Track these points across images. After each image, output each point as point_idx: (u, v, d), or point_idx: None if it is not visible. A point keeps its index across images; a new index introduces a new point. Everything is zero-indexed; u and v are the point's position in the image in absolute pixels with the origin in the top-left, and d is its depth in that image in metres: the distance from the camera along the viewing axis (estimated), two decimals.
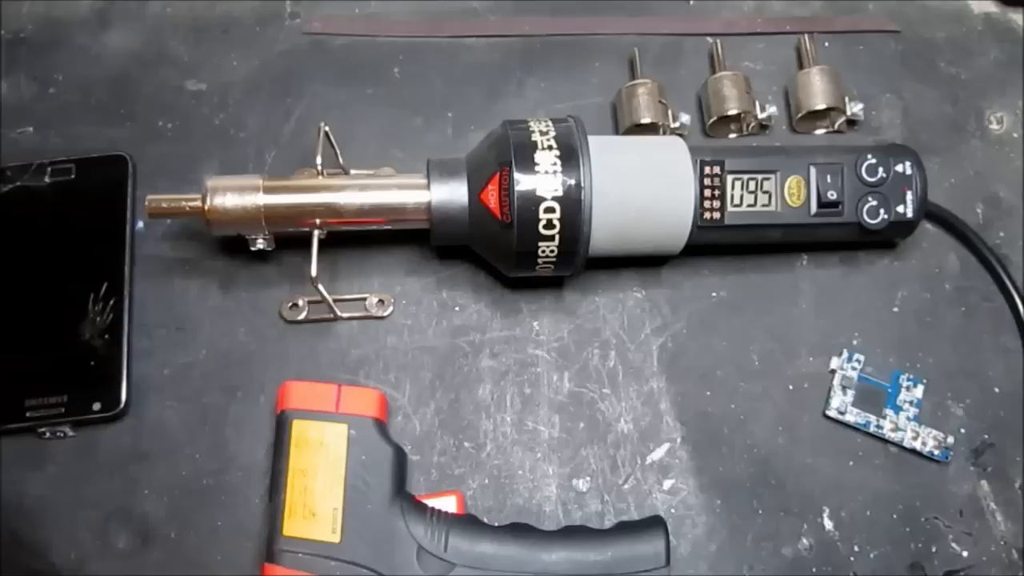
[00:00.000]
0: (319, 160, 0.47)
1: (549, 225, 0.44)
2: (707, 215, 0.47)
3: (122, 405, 0.46)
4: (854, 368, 0.49)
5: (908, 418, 0.48)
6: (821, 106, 0.53)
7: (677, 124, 0.53)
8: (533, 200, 0.44)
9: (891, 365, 0.50)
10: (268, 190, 0.45)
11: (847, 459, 0.48)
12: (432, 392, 0.48)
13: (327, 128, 0.48)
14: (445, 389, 0.48)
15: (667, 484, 0.47)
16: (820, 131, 0.55)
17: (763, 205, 0.48)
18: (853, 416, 0.48)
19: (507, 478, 0.47)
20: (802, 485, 0.47)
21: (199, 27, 0.56)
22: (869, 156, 0.48)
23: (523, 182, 0.44)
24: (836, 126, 0.54)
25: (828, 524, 0.47)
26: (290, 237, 0.48)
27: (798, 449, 0.48)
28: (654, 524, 0.43)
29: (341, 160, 0.50)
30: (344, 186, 0.46)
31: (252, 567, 0.44)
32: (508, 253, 0.46)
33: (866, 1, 0.59)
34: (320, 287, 0.46)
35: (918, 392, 0.49)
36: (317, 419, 0.43)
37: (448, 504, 0.44)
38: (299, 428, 0.43)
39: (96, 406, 0.46)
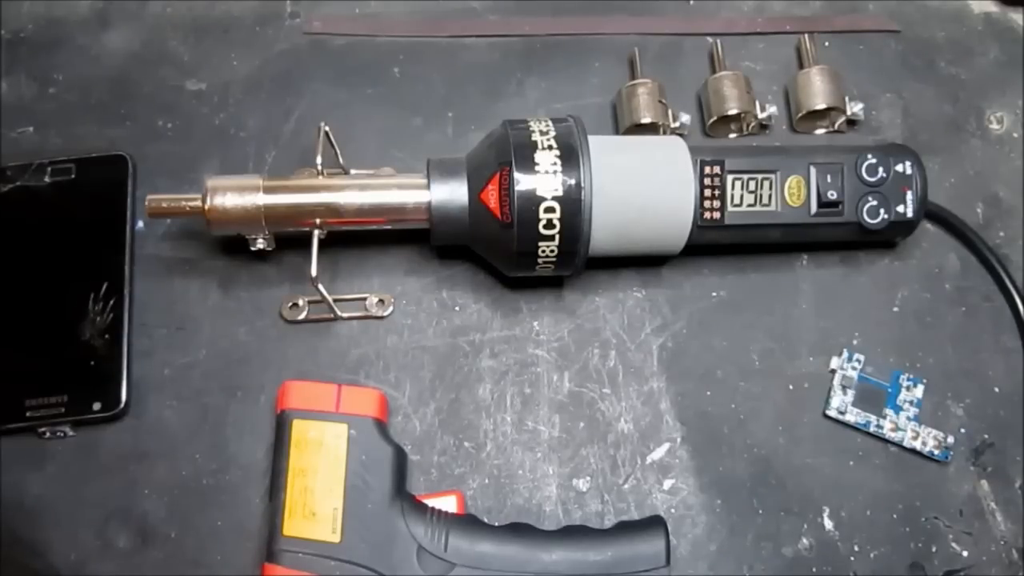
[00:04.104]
0: (319, 160, 0.47)
1: (549, 225, 0.44)
2: (707, 215, 0.47)
3: (122, 405, 0.46)
4: (854, 368, 0.49)
5: (908, 418, 0.48)
6: (821, 106, 0.53)
7: (677, 124, 0.53)
8: (533, 200, 0.44)
9: (891, 365, 0.50)
10: (268, 190, 0.45)
11: (847, 459, 0.48)
12: (432, 392, 0.48)
13: (327, 128, 0.48)
14: (445, 389, 0.48)
15: (667, 484, 0.47)
16: (820, 131, 0.55)
17: (763, 205, 0.48)
18: (853, 416, 0.48)
19: (507, 478, 0.47)
20: (802, 485, 0.47)
21: (199, 27, 0.56)
22: (869, 156, 0.48)
23: (523, 182, 0.44)
24: (836, 126, 0.54)
25: (828, 524, 0.47)
26: (290, 237, 0.48)
27: (798, 449, 0.48)
28: (654, 524, 0.43)
29: (341, 160, 0.50)
30: (344, 186, 0.46)
31: (252, 567, 0.44)
32: (508, 253, 0.46)
33: (866, 1, 0.59)
34: (320, 287, 0.46)
35: (918, 392, 0.49)
36: (317, 419, 0.43)
37: (448, 504, 0.44)
38: (299, 428, 0.43)
39: (96, 406, 0.46)
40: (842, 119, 0.54)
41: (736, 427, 0.48)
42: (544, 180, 0.44)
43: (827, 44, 0.57)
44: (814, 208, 0.48)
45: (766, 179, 0.48)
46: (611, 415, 0.48)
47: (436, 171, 0.46)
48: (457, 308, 0.50)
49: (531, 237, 0.45)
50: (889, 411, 0.48)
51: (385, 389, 0.48)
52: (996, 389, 0.50)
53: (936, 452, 0.48)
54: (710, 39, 0.56)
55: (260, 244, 0.47)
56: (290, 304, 0.49)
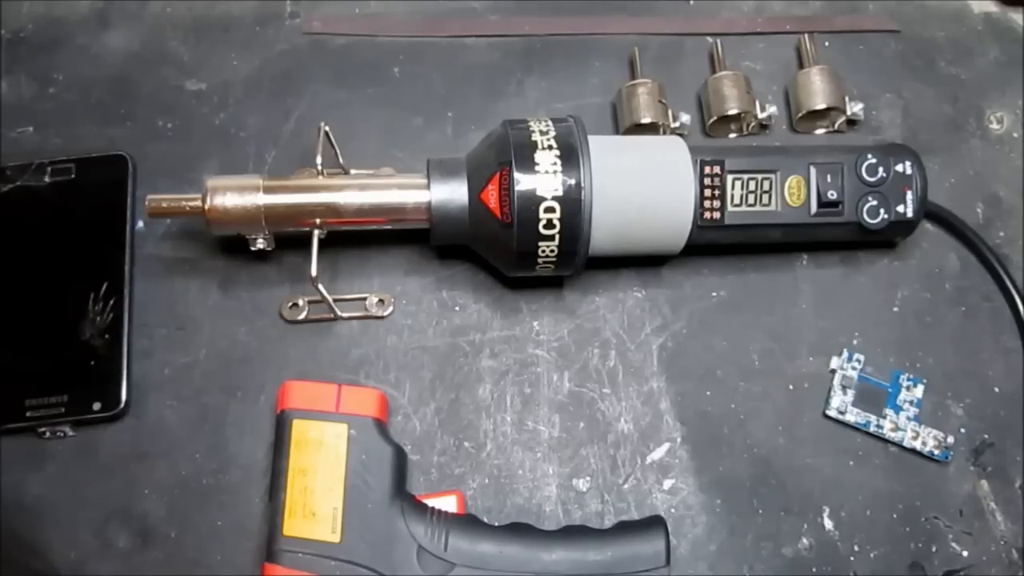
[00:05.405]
0: (319, 160, 0.47)
1: (549, 225, 0.44)
2: (707, 215, 0.47)
3: (122, 405, 0.46)
4: (854, 368, 0.49)
5: (908, 418, 0.48)
6: (821, 106, 0.53)
7: (677, 124, 0.53)
8: (533, 200, 0.44)
9: (891, 365, 0.50)
10: (268, 190, 0.45)
11: (847, 459, 0.48)
12: (432, 392, 0.48)
13: (327, 128, 0.48)
14: (445, 389, 0.48)
15: (667, 484, 0.47)
16: (820, 131, 0.55)
17: (763, 205, 0.48)
18: (853, 416, 0.48)
19: (507, 478, 0.47)
20: (802, 485, 0.47)
21: (199, 27, 0.56)
22: (869, 156, 0.48)
23: (523, 182, 0.44)
24: (836, 126, 0.54)
25: (828, 524, 0.47)
26: (290, 237, 0.48)
27: (798, 449, 0.48)
28: (654, 524, 0.43)
29: (341, 160, 0.50)
30: (344, 186, 0.46)
31: (252, 567, 0.44)
32: (508, 253, 0.46)
33: (866, 1, 0.59)
34: (320, 287, 0.46)
35: (918, 392, 0.49)
36: (317, 419, 0.43)
37: (448, 504, 0.44)
38: (299, 428, 0.43)
39: (96, 406, 0.46)
40: (842, 119, 0.54)
41: (736, 427, 0.48)
42: (544, 180, 0.44)
43: (827, 44, 0.57)
44: (814, 208, 0.48)
45: (766, 179, 0.48)
46: (611, 415, 0.48)
47: (436, 171, 0.46)
48: (457, 308, 0.50)
49: (531, 237, 0.45)
50: (889, 411, 0.48)
51: (385, 389, 0.48)
52: (996, 389, 0.50)
53: (936, 452, 0.48)
54: (710, 39, 0.56)
55: (260, 244, 0.47)
56: (290, 304, 0.49)
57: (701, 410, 0.48)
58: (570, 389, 0.49)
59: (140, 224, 0.50)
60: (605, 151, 0.46)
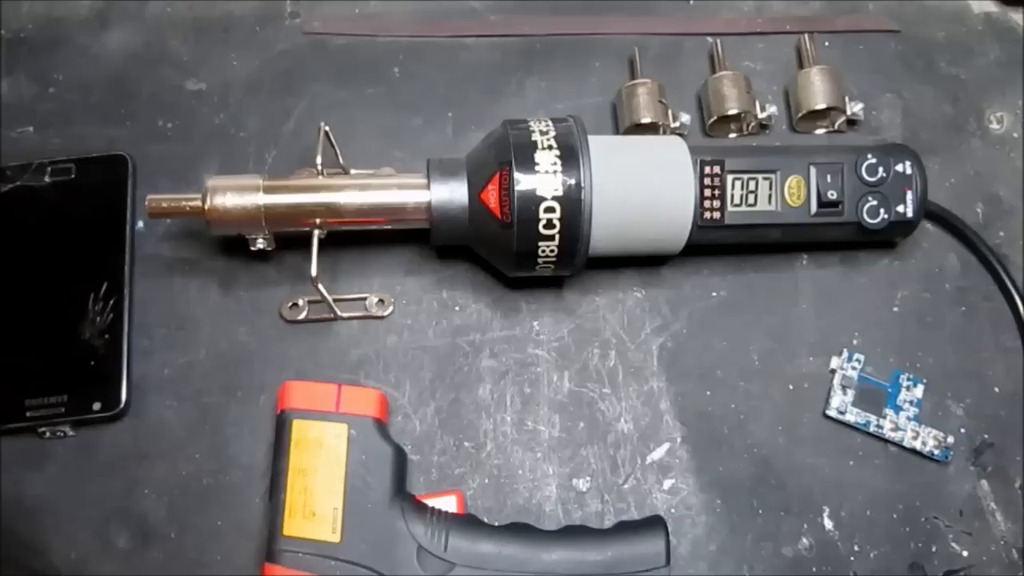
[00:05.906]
0: (319, 160, 0.47)
1: (549, 225, 0.44)
2: (707, 215, 0.47)
3: (122, 405, 0.46)
4: (854, 368, 0.49)
5: (908, 418, 0.48)
6: (821, 106, 0.53)
7: (677, 124, 0.53)
8: (533, 200, 0.44)
9: (891, 365, 0.50)
10: (268, 190, 0.45)
11: (847, 459, 0.48)
12: (432, 392, 0.48)
13: (327, 128, 0.48)
14: (445, 389, 0.48)
15: (667, 484, 0.47)
16: (820, 131, 0.55)
17: (763, 205, 0.48)
18: (853, 416, 0.48)
19: (507, 478, 0.47)
20: (802, 485, 0.47)
21: (199, 27, 0.56)
22: (869, 156, 0.49)
23: (523, 182, 0.44)
24: (836, 126, 0.54)
25: (828, 524, 0.47)
26: (290, 237, 0.48)
27: (798, 449, 0.48)
28: (654, 524, 0.43)
29: (341, 160, 0.50)
30: (344, 186, 0.46)
31: (252, 567, 0.44)
32: (508, 253, 0.46)
33: (866, 1, 0.59)
34: (320, 287, 0.46)
35: (918, 392, 0.49)
36: (317, 419, 0.43)
37: (448, 504, 0.44)
38: (299, 428, 0.43)
39: (96, 406, 0.46)
40: (842, 119, 0.54)
41: (736, 427, 0.48)
42: (544, 180, 0.44)
43: (827, 44, 0.57)
44: (814, 208, 0.48)
45: (766, 179, 0.48)
46: (611, 415, 0.48)
47: (436, 171, 0.46)
48: (457, 308, 0.50)
49: (531, 237, 0.45)
50: (889, 411, 0.48)
51: (385, 389, 0.48)
52: (996, 389, 0.50)
53: (936, 452, 0.48)
54: (710, 39, 0.56)
55: (260, 244, 0.47)
56: (290, 304, 0.49)
57: (701, 410, 0.48)
58: (570, 389, 0.49)
59: (140, 224, 0.50)
60: (605, 151, 0.46)
